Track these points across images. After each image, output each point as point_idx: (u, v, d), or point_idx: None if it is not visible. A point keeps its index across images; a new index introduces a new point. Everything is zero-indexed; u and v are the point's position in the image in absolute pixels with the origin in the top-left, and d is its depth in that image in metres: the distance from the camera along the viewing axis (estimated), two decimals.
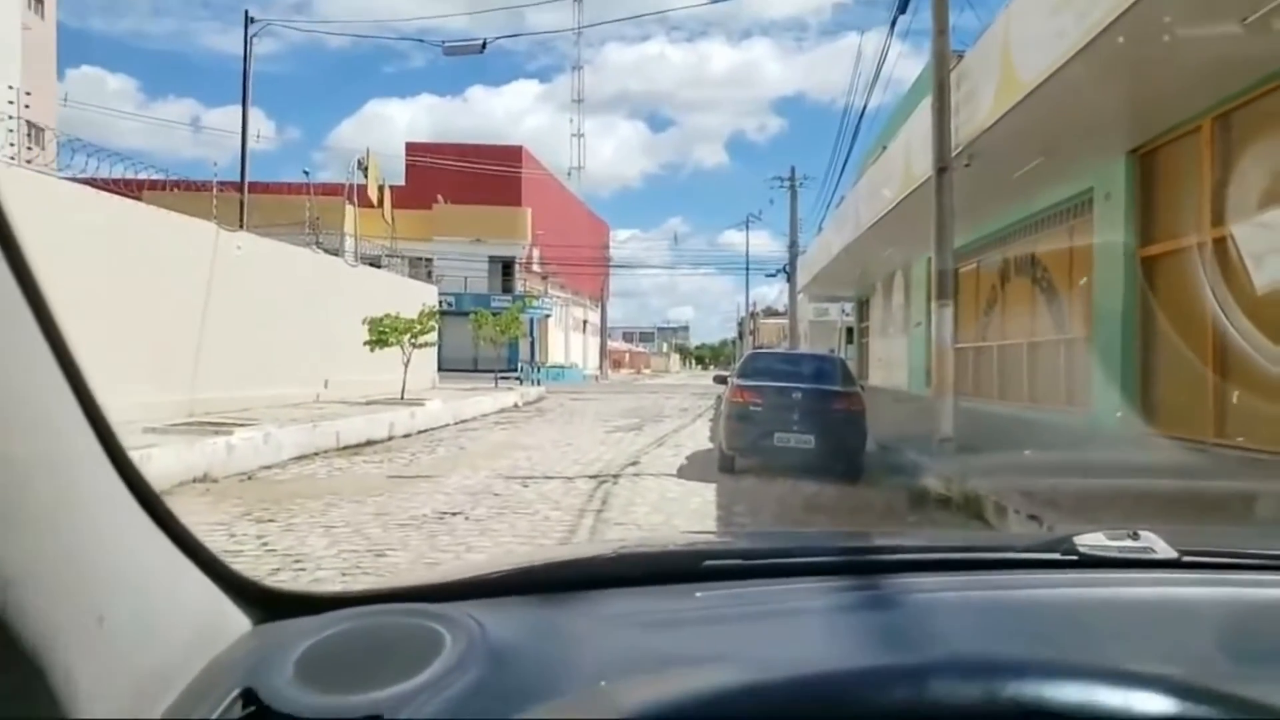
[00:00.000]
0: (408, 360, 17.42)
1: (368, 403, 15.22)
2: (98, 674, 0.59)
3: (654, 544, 1.35)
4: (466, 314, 31.38)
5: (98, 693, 0.58)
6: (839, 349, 32.57)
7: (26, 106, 13.17)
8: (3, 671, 0.51)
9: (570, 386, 36.08)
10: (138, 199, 12.72)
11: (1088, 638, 0.88)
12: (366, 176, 30.63)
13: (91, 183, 11.71)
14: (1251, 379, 7.59)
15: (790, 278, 36.18)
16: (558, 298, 50.21)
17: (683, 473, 9.61)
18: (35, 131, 14.34)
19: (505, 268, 44.62)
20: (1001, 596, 0.98)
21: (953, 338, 10.32)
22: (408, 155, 46.21)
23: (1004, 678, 0.54)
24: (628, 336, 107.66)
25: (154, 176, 15.16)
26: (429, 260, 38.47)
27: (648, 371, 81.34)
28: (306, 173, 59.88)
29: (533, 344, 41.66)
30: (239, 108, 21.10)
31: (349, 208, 30.36)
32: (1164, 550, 1.04)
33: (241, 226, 15.90)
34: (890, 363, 24.94)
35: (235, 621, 0.81)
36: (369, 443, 11.85)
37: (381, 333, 16.94)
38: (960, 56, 11.05)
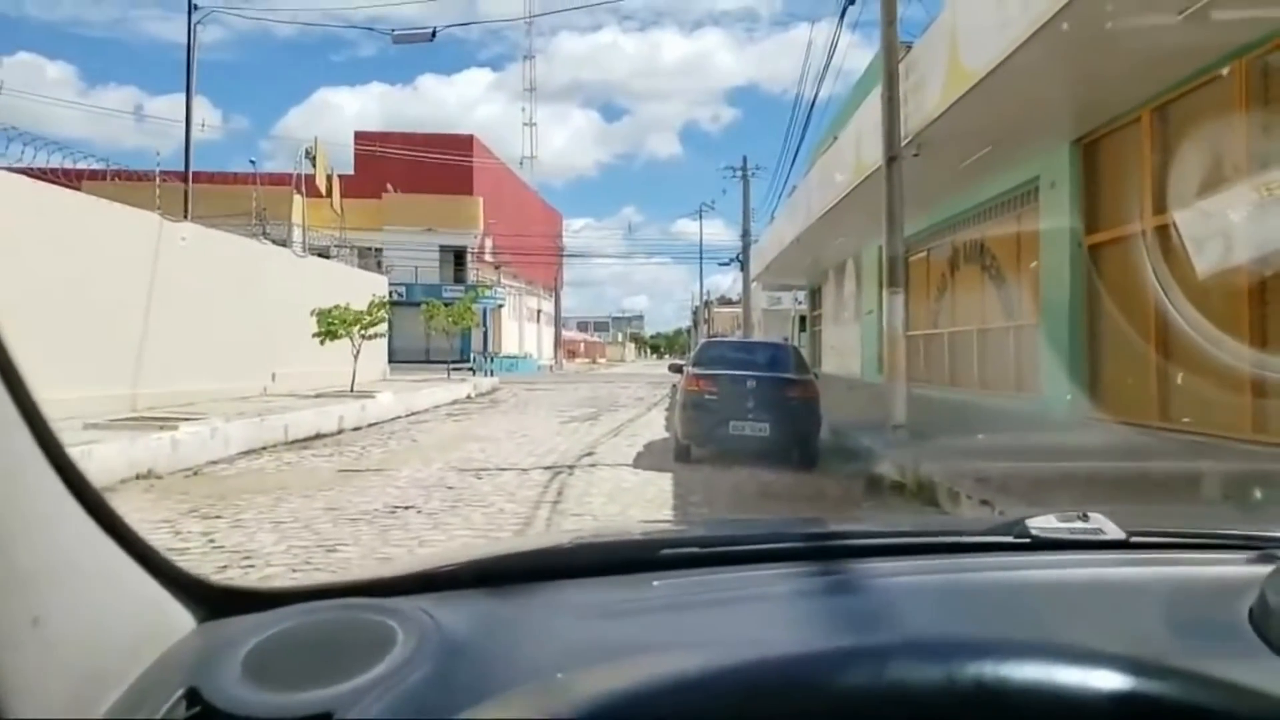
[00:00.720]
0: (357, 352, 17.21)
1: (317, 396, 14.99)
2: (33, 675, 0.57)
3: (610, 534, 1.34)
4: (418, 304, 30.95)
5: (33, 694, 0.56)
6: (792, 337, 32.84)
7: None
8: None
9: (524, 377, 35.96)
10: (76, 189, 12.37)
11: (1041, 618, 0.89)
12: (315, 166, 30.05)
13: (28, 172, 11.34)
14: (1194, 363, 7.78)
15: (744, 266, 36.40)
16: (511, 287, 49.86)
17: (639, 462, 9.63)
18: None
19: (457, 257, 44.14)
20: (957, 580, 0.99)
21: (904, 325, 10.46)
22: (357, 144, 45.43)
23: (963, 658, 0.54)
24: (582, 326, 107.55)
25: (94, 166, 14.78)
26: (379, 250, 37.87)
27: (603, 361, 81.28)
28: (253, 162, 58.72)
29: (485, 334, 41.33)
30: (183, 96, 20.71)
31: (297, 197, 29.83)
32: (1113, 531, 1.06)
33: (186, 217, 15.52)
34: (843, 350, 25.19)
35: (180, 620, 0.78)
36: (318, 436, 11.69)
37: (330, 324, 16.68)
38: (909, 47, 11.17)
